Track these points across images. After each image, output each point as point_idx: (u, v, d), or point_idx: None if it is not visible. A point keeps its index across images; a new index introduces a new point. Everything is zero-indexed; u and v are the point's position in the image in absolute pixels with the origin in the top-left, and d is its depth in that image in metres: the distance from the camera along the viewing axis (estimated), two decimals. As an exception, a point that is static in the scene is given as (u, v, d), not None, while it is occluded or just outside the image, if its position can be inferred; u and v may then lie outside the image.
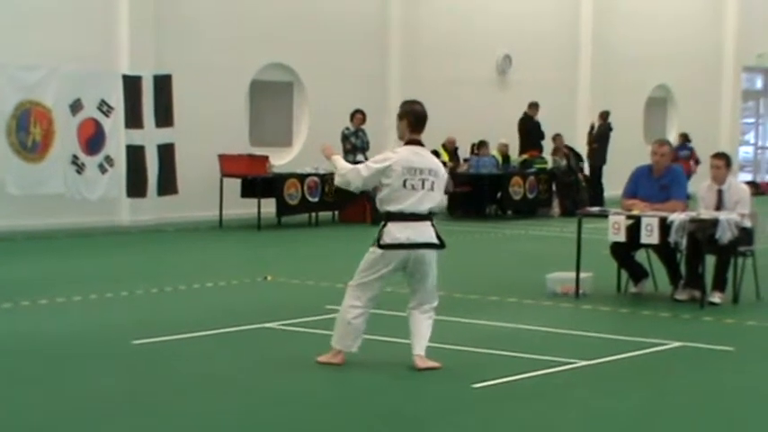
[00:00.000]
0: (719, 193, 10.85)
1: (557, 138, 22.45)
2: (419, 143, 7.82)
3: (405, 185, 7.61)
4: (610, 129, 22.96)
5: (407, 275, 7.87)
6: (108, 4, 17.54)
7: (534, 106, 22.26)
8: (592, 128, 23.20)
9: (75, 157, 16.10)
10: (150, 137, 16.86)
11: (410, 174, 7.62)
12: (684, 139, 26.00)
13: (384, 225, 7.72)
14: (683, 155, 24.63)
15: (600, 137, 22.83)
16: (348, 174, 7.81)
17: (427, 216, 7.74)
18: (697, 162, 24.79)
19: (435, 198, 7.75)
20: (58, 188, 15.94)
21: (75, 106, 16.06)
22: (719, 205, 10.80)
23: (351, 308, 7.80)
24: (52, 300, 10.49)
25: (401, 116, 7.89)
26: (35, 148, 15.63)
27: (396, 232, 7.65)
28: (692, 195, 11.37)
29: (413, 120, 7.82)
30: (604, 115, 23.05)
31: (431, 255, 7.80)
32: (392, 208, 7.66)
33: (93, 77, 16.45)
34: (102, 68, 16.92)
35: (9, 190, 15.44)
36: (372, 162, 7.84)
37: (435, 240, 7.78)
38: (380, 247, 7.69)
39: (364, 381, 7.50)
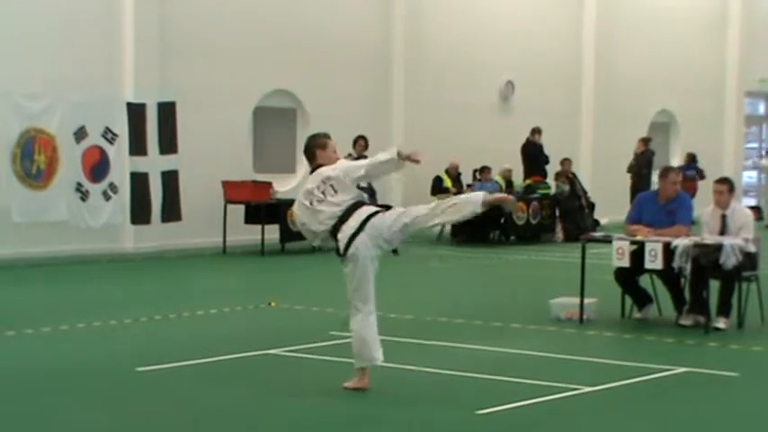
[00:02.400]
0: (723, 218, 10.85)
1: (565, 162, 22.50)
2: (316, 168, 8.07)
3: (312, 204, 7.91)
4: (653, 153, 23.19)
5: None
6: (112, 32, 17.61)
7: (537, 132, 22.31)
8: (635, 155, 23.43)
9: (79, 184, 16.12)
10: (154, 164, 16.89)
11: (307, 196, 7.95)
12: (691, 159, 26.04)
13: (335, 239, 7.95)
14: (689, 174, 24.68)
15: (647, 162, 23.06)
16: None
17: (356, 205, 7.88)
18: (702, 177, 24.80)
19: (348, 189, 7.90)
20: (61, 215, 15.95)
21: (80, 134, 16.09)
22: (723, 230, 10.80)
23: (362, 318, 7.89)
24: (56, 327, 10.48)
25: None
26: (39, 175, 15.66)
27: (345, 230, 7.81)
28: (696, 220, 11.37)
29: (306, 156, 8.18)
30: (646, 141, 23.32)
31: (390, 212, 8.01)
32: (324, 227, 7.91)
33: (97, 105, 16.49)
34: (106, 96, 16.97)
35: (14, 218, 15.45)
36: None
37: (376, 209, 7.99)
38: (343, 253, 7.85)
39: (367, 408, 7.48)
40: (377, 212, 7.91)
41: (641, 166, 23.17)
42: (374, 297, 7.92)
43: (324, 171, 8.00)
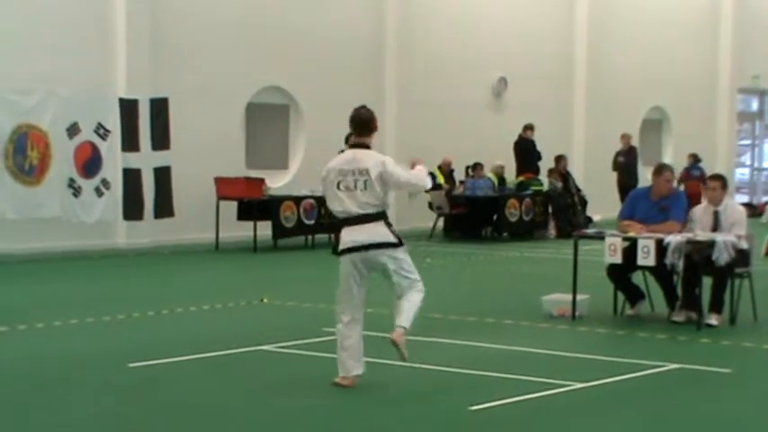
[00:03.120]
0: (716, 214, 10.87)
1: (560, 159, 22.54)
2: (363, 146, 7.90)
3: (339, 187, 7.74)
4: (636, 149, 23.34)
5: (381, 276, 7.92)
6: (105, 28, 17.59)
7: (529, 128, 22.33)
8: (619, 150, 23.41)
9: (71, 180, 16.10)
10: (147, 160, 16.86)
11: (342, 175, 7.75)
12: (695, 159, 26.09)
13: (337, 234, 7.89)
14: (694, 174, 24.71)
15: (635, 159, 23.11)
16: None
17: (374, 216, 7.74)
18: (704, 180, 24.82)
19: (376, 194, 7.72)
20: (54, 211, 15.93)
21: (72, 130, 16.06)
22: (716, 227, 10.81)
23: (340, 328, 7.83)
24: (49, 323, 10.47)
25: (349, 122, 8.02)
26: (32, 171, 15.63)
27: (345, 236, 7.76)
28: (690, 217, 11.37)
29: (354, 124, 7.95)
30: (629, 138, 23.32)
31: (386, 254, 7.75)
32: (338, 214, 7.80)
33: (89, 101, 16.46)
34: (98, 92, 16.95)
35: (7, 214, 15.43)
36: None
37: (384, 239, 7.73)
38: (337, 253, 7.81)
39: (360, 404, 7.49)
40: (380, 246, 7.70)
41: (631, 164, 23.09)
42: (356, 311, 7.81)
43: (365, 161, 7.74)
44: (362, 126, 7.92)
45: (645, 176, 11.73)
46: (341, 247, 7.78)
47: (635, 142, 26.34)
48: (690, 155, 26.35)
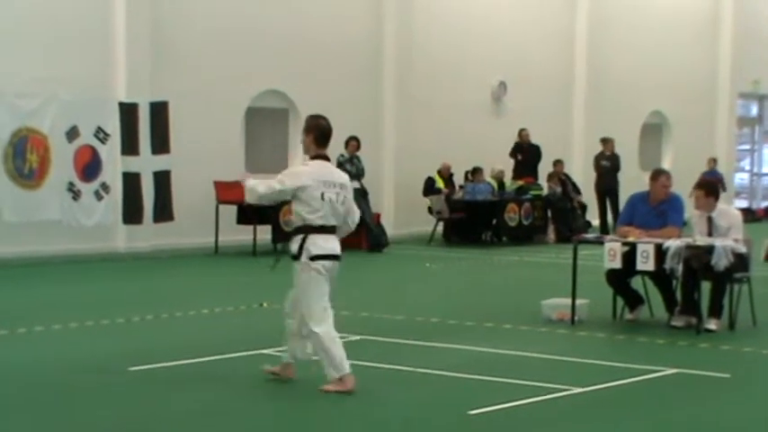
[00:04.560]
0: (709, 220, 10.88)
1: (557, 164, 22.54)
2: (326, 158, 8.06)
3: (323, 198, 7.83)
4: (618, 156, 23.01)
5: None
6: (104, 32, 17.59)
7: (524, 132, 22.41)
8: (601, 154, 23.07)
9: (71, 183, 16.10)
10: (146, 164, 16.85)
11: (326, 187, 7.85)
12: (715, 163, 26.12)
13: (305, 237, 7.87)
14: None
15: (616, 164, 22.76)
16: (258, 187, 8.01)
17: (335, 229, 7.95)
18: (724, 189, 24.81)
19: (352, 210, 8.01)
20: (54, 215, 15.93)
21: (72, 133, 16.07)
22: (710, 232, 10.82)
23: (326, 333, 7.81)
24: (48, 327, 10.47)
25: (307, 131, 8.03)
26: (32, 174, 15.64)
27: (322, 242, 7.84)
28: (687, 221, 11.40)
29: (318, 135, 7.99)
30: (612, 142, 22.99)
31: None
32: (314, 220, 7.84)
33: (89, 104, 16.47)
34: (98, 96, 16.95)
35: (6, 217, 15.43)
36: (287, 178, 7.95)
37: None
38: (312, 258, 7.82)
39: (359, 408, 7.49)
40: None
41: (616, 167, 22.85)
42: (313, 319, 7.85)
43: (341, 176, 8.01)
44: (327, 137, 8.03)
45: (644, 181, 11.72)
46: (318, 252, 7.81)
47: (634, 147, 26.44)
48: (709, 159, 26.46)
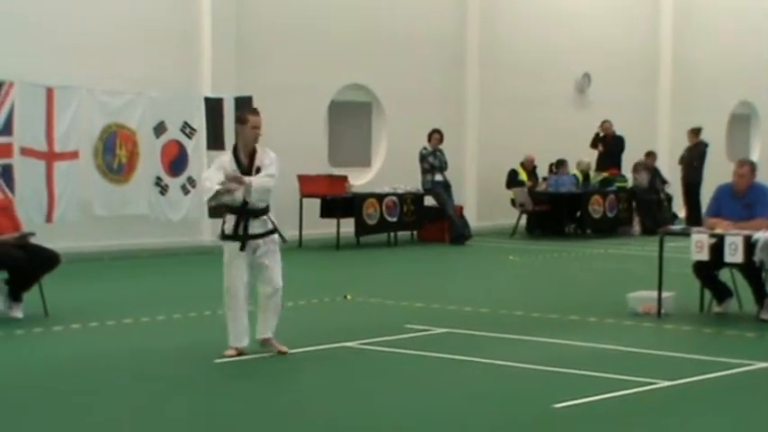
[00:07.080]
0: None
1: (649, 155, 22.32)
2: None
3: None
4: (706, 145, 22.36)
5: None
6: (191, 29, 17.85)
7: (607, 125, 22.19)
8: (687, 148, 22.61)
9: (158, 178, 16.37)
10: (231, 158, 17.03)
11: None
12: None
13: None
14: None
15: (699, 155, 22.19)
16: (268, 183, 9.17)
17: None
18: None
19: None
20: (142, 209, 16.21)
21: (159, 129, 16.33)
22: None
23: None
24: (137, 319, 10.68)
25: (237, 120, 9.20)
26: (121, 169, 15.93)
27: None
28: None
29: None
30: (697, 132, 22.48)
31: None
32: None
33: (175, 100, 16.72)
34: (184, 92, 17.22)
35: (96, 211, 15.75)
36: (275, 166, 9.18)
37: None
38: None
39: (444, 401, 7.50)
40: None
41: (693, 159, 22.47)
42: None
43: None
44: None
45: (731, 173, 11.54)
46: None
47: (721, 138, 25.90)
48: None
